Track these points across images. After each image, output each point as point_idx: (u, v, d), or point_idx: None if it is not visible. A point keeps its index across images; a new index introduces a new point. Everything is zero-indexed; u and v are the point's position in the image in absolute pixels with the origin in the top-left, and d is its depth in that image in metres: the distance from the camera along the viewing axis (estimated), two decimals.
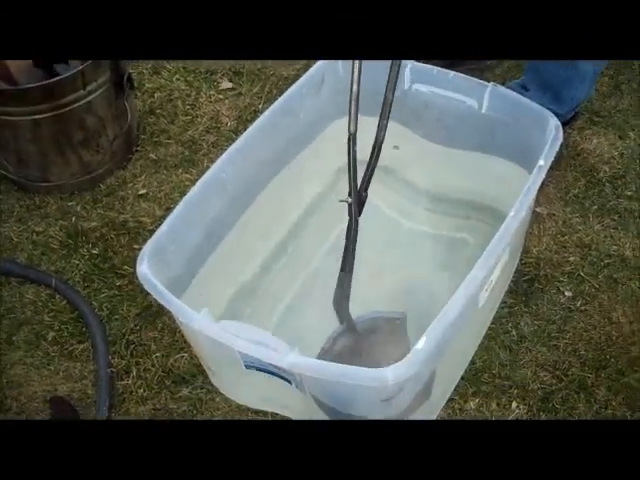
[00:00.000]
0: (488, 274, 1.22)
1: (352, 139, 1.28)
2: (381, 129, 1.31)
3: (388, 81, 1.30)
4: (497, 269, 1.30)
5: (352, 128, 1.27)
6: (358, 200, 1.33)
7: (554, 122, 1.38)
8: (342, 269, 1.39)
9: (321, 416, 1.36)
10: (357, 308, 1.51)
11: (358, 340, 1.50)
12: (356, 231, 1.35)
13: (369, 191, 1.35)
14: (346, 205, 1.34)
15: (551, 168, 1.36)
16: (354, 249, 1.37)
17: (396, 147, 1.71)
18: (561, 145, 1.38)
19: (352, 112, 1.27)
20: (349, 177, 1.31)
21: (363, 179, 1.33)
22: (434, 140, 1.65)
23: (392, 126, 1.52)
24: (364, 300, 1.60)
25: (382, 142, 1.31)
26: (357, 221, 1.34)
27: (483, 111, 1.51)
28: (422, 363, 1.08)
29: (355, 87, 1.26)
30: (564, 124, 1.57)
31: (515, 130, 1.48)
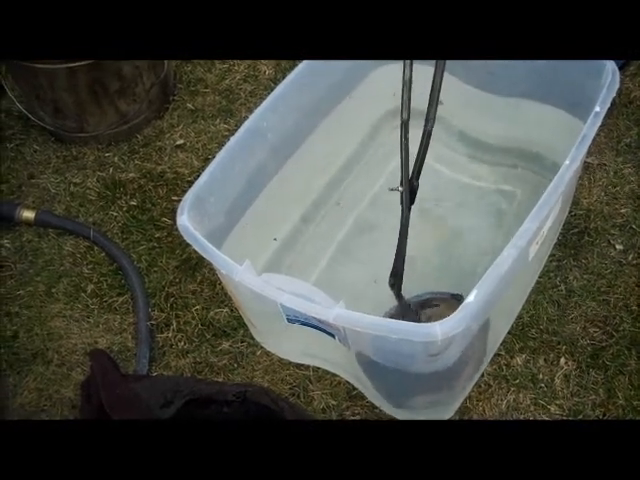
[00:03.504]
0: (540, 226, 1.17)
1: (405, 126, 1.20)
2: (429, 120, 1.22)
3: (435, 70, 1.21)
4: (549, 221, 1.25)
5: (405, 115, 1.19)
6: (410, 189, 1.27)
7: (611, 66, 1.31)
8: (396, 257, 1.34)
9: (363, 371, 1.34)
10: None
11: (412, 316, 1.46)
12: (408, 221, 1.29)
13: None
14: (389, 156, 1.29)
15: (603, 117, 1.30)
16: (406, 239, 1.32)
17: (441, 102, 1.65)
18: (616, 92, 1.31)
19: (404, 98, 1.19)
20: (401, 165, 1.24)
21: (414, 168, 1.26)
22: (480, 87, 1.59)
23: None
24: (408, 253, 1.57)
25: (431, 131, 1.23)
26: (409, 209, 1.28)
27: None
28: (472, 317, 1.04)
29: (407, 72, 1.18)
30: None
31: (567, 76, 1.41)
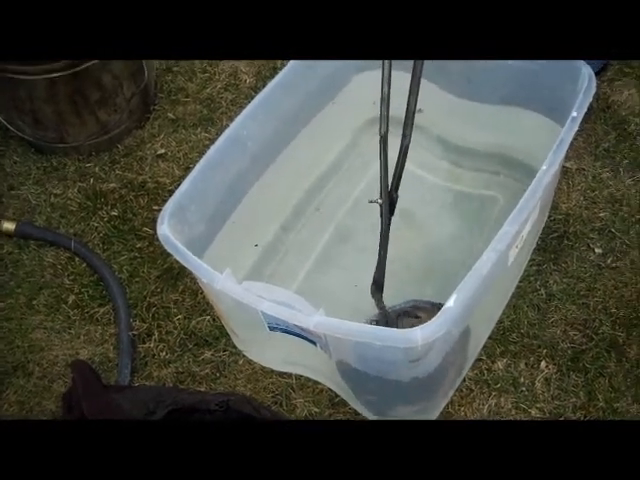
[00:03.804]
0: (519, 231, 1.18)
1: (384, 140, 1.22)
2: (406, 136, 1.24)
3: (410, 88, 1.23)
4: (528, 225, 1.26)
5: (383, 129, 1.21)
6: (389, 201, 1.29)
7: (587, 71, 1.32)
8: (377, 267, 1.36)
9: (344, 378, 1.34)
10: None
11: (393, 325, 1.47)
12: (387, 232, 1.31)
13: None
14: (369, 163, 1.30)
15: (580, 121, 1.31)
16: (386, 250, 1.34)
17: (420, 110, 1.66)
18: (592, 96, 1.32)
19: (383, 113, 1.20)
20: (380, 178, 1.26)
21: (393, 181, 1.28)
22: (459, 94, 1.61)
23: None
24: (390, 259, 1.57)
25: (408, 146, 1.25)
26: (389, 221, 1.30)
27: (510, 62, 1.46)
28: (452, 322, 1.04)
29: (385, 88, 1.19)
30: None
31: (545, 81, 1.43)
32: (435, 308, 1.43)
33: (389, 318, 1.43)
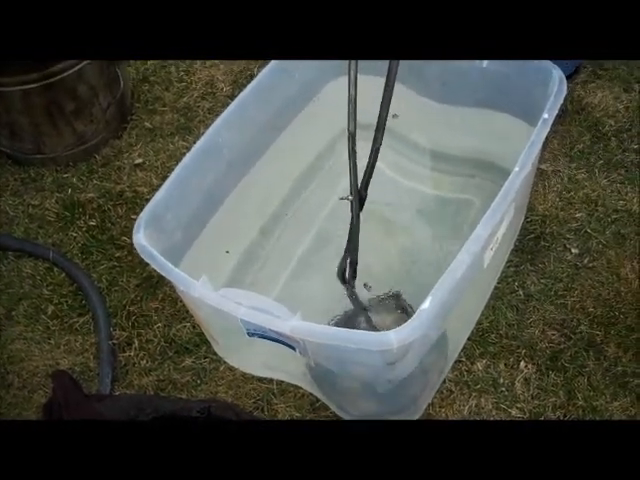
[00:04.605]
0: (493, 232, 1.19)
1: (352, 138, 1.24)
2: (377, 139, 1.26)
3: (384, 93, 1.24)
4: (502, 227, 1.27)
5: (351, 128, 1.23)
6: (359, 198, 1.32)
7: (557, 73, 1.33)
8: (349, 263, 1.41)
9: (324, 382, 1.35)
10: (363, 272, 1.50)
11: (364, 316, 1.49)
12: (358, 227, 1.35)
13: None
14: (346, 168, 1.31)
15: (555, 123, 1.32)
16: (357, 244, 1.38)
17: (395, 116, 1.67)
18: (565, 99, 1.33)
19: (350, 111, 1.22)
20: (350, 176, 1.28)
21: (363, 180, 1.30)
22: (434, 98, 1.61)
23: None
24: (367, 265, 1.58)
25: (379, 149, 1.27)
26: (359, 217, 1.34)
27: (484, 65, 1.47)
28: (428, 325, 1.05)
29: (352, 90, 1.20)
30: (567, 78, 1.53)
31: (518, 84, 1.44)
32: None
33: (359, 309, 1.47)
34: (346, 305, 1.51)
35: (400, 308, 1.52)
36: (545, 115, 1.28)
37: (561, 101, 1.32)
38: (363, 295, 1.53)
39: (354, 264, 1.43)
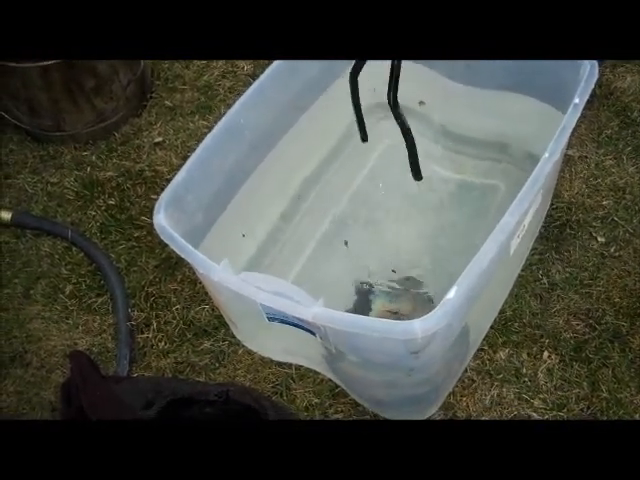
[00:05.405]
0: (520, 220, 1.16)
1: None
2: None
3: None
4: (529, 215, 1.25)
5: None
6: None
7: None
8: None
9: (344, 368, 1.33)
10: (387, 256, 1.47)
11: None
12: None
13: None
14: (369, 147, 1.29)
15: (583, 108, 1.29)
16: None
17: (422, 102, 1.64)
18: (595, 83, 1.30)
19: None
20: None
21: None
22: (460, 81, 1.58)
23: (417, 68, 1.46)
24: (390, 250, 1.56)
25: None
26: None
27: None
28: (453, 314, 1.03)
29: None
30: None
31: (546, 67, 1.40)
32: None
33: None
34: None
35: (422, 294, 1.50)
36: (576, 100, 1.25)
37: (592, 86, 1.28)
38: (386, 276, 1.52)
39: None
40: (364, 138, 1.47)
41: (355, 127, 1.68)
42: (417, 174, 1.37)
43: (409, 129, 1.30)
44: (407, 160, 1.67)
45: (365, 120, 1.72)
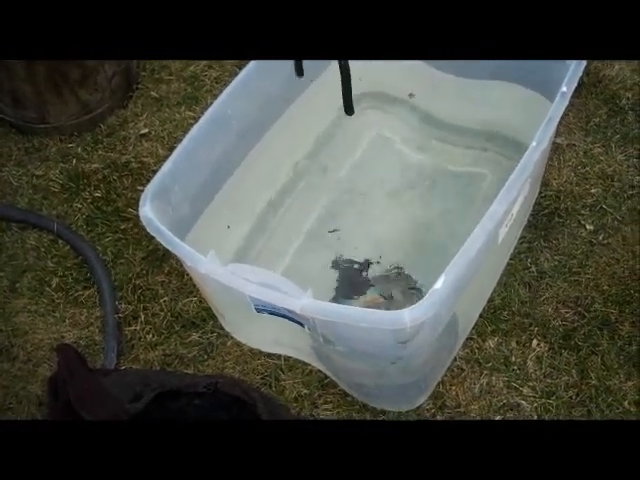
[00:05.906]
0: (509, 209, 1.16)
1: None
2: None
3: None
4: (517, 204, 1.24)
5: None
6: None
7: None
8: None
9: (333, 359, 1.33)
10: (374, 245, 1.48)
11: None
12: None
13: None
14: (358, 141, 1.29)
15: (571, 96, 1.28)
16: None
17: (412, 95, 1.64)
18: (583, 71, 1.30)
19: None
20: None
21: None
22: (447, 70, 1.57)
23: None
24: (376, 238, 1.56)
25: None
26: None
27: None
28: (441, 303, 1.02)
29: None
30: None
31: None
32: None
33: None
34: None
35: (408, 283, 1.49)
36: (564, 88, 1.24)
37: (580, 74, 1.27)
38: (373, 266, 1.53)
39: None
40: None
41: (343, 119, 1.68)
42: (349, 109, 1.41)
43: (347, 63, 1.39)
44: (395, 148, 1.68)
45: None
